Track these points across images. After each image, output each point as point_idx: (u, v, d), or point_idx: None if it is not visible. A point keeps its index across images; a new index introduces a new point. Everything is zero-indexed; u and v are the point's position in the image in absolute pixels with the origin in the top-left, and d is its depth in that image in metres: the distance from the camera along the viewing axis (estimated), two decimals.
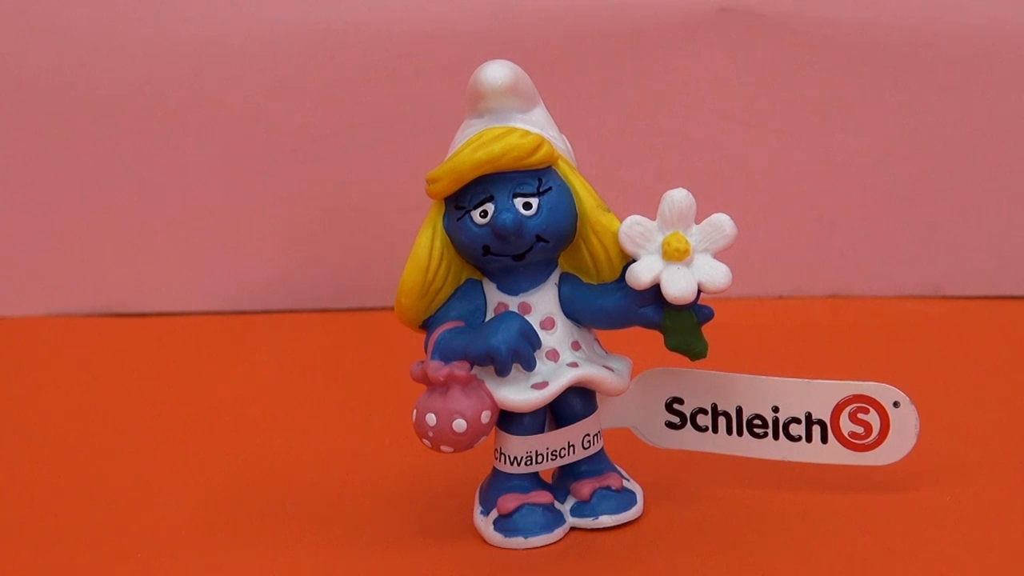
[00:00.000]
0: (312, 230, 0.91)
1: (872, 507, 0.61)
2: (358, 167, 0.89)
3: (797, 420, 0.61)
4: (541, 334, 0.58)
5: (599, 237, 0.59)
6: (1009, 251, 0.89)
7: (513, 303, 0.59)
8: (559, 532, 0.60)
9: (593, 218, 0.59)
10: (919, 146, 0.88)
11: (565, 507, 0.61)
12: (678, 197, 0.57)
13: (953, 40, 0.86)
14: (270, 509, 0.64)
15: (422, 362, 0.58)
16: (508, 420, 0.59)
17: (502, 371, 0.57)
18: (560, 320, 0.59)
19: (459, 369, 0.57)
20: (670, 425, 0.63)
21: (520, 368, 0.58)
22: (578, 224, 0.59)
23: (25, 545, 0.62)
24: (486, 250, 0.58)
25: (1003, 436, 0.68)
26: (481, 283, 0.60)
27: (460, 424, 0.56)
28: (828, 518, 0.60)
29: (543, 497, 0.60)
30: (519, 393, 0.58)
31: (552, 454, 0.60)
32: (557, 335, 0.59)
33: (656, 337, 0.59)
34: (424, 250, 0.59)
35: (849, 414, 0.60)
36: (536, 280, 0.59)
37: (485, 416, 0.57)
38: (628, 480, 0.62)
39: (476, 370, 0.58)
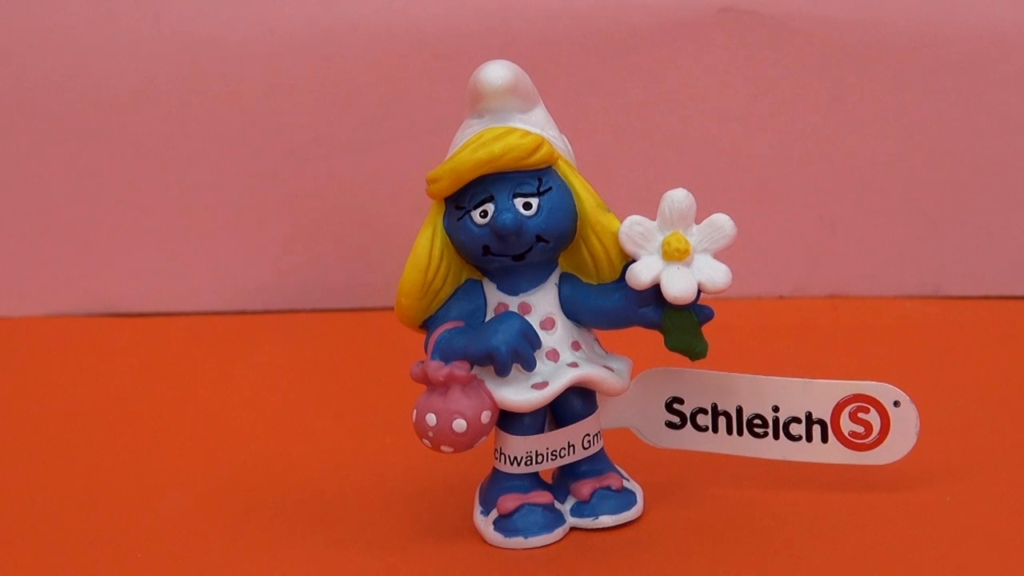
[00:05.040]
0: (312, 230, 0.91)
1: (872, 507, 0.61)
2: (358, 167, 0.89)
3: (797, 420, 0.61)
4: (541, 334, 0.58)
5: (599, 237, 0.58)
6: (1009, 251, 0.89)
7: (513, 303, 0.59)
8: (559, 532, 0.60)
9: (593, 218, 0.59)
10: (919, 146, 0.88)
11: (565, 507, 0.61)
12: (678, 197, 0.57)
13: (953, 40, 0.86)
14: (270, 509, 0.64)
15: (422, 362, 0.58)
16: (508, 420, 0.59)
17: (502, 371, 0.57)
18: (560, 320, 0.59)
19: (459, 369, 0.57)
20: (670, 425, 0.63)
21: (520, 368, 0.58)
22: (578, 224, 0.59)
23: (25, 545, 0.62)
24: (486, 250, 0.58)
25: (1003, 436, 0.68)
26: (481, 283, 0.60)
27: (460, 424, 0.56)
28: (828, 518, 0.60)
29: (543, 497, 0.60)
30: (519, 393, 0.58)
31: (552, 454, 0.60)
32: (557, 335, 0.59)
33: (656, 337, 0.59)
34: (424, 250, 0.58)
35: (849, 413, 0.60)
36: (536, 280, 0.59)
37: (485, 416, 0.57)
38: (628, 480, 0.62)
39: (476, 370, 0.58)
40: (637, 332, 0.59)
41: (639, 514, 0.61)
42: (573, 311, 0.60)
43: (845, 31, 0.86)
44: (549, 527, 0.60)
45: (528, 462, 0.60)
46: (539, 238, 0.58)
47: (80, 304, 0.92)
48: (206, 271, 0.92)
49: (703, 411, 0.62)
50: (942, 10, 0.86)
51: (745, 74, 0.87)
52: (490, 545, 0.60)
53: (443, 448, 0.57)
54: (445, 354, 0.58)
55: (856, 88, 0.87)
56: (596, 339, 0.61)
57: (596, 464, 0.61)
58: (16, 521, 0.64)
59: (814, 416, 0.61)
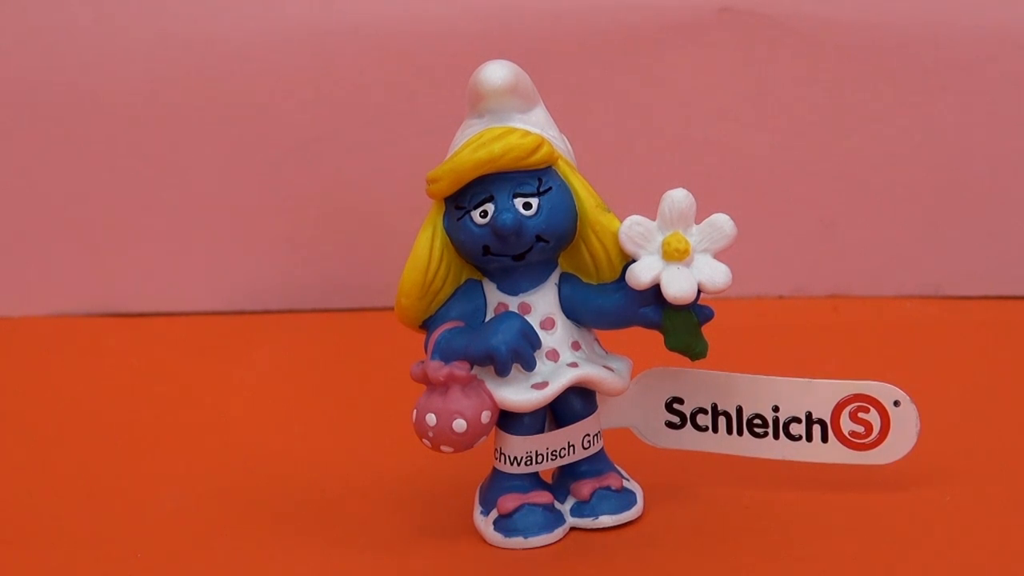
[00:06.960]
0: (312, 230, 0.91)
1: (872, 507, 0.61)
2: (358, 167, 0.89)
3: (797, 419, 0.61)
4: (541, 334, 0.58)
5: (599, 237, 0.58)
6: (1009, 251, 0.89)
7: (513, 303, 0.59)
8: (559, 532, 0.60)
9: (593, 218, 0.59)
10: (919, 146, 0.88)
11: (565, 507, 0.61)
12: (678, 197, 0.57)
13: (953, 41, 0.86)
14: (270, 509, 0.64)
15: (422, 362, 0.58)
16: (508, 420, 0.59)
17: (502, 371, 0.57)
18: (560, 320, 0.59)
19: (459, 369, 0.57)
20: (670, 425, 0.63)
21: (520, 368, 0.58)
22: (578, 224, 0.59)
23: (25, 545, 0.62)
24: (486, 250, 0.58)
25: (1003, 436, 0.68)
26: (481, 283, 0.60)
27: (460, 424, 0.56)
28: (828, 518, 0.60)
29: (543, 497, 0.60)
30: (519, 393, 0.58)
31: (552, 454, 0.60)
32: (557, 335, 0.59)
33: (656, 337, 0.59)
34: (424, 250, 0.58)
35: (849, 413, 0.60)
36: (536, 280, 0.59)
37: (485, 416, 0.57)
38: (628, 480, 0.62)
39: (476, 370, 0.58)
40: (637, 332, 0.59)
41: (639, 514, 0.61)
42: (573, 311, 0.60)
43: (845, 31, 0.86)
44: (549, 527, 0.60)
45: (528, 462, 0.60)
46: (539, 238, 0.58)
47: (80, 304, 0.92)
48: (206, 271, 0.92)
49: (703, 411, 0.62)
50: (942, 10, 0.86)
51: (745, 74, 0.87)
52: (490, 545, 0.60)
53: (443, 448, 0.57)
54: (445, 354, 0.58)
55: (856, 88, 0.87)
56: (596, 339, 0.61)
57: (596, 464, 0.61)
58: (16, 521, 0.64)
59: (814, 416, 0.61)
